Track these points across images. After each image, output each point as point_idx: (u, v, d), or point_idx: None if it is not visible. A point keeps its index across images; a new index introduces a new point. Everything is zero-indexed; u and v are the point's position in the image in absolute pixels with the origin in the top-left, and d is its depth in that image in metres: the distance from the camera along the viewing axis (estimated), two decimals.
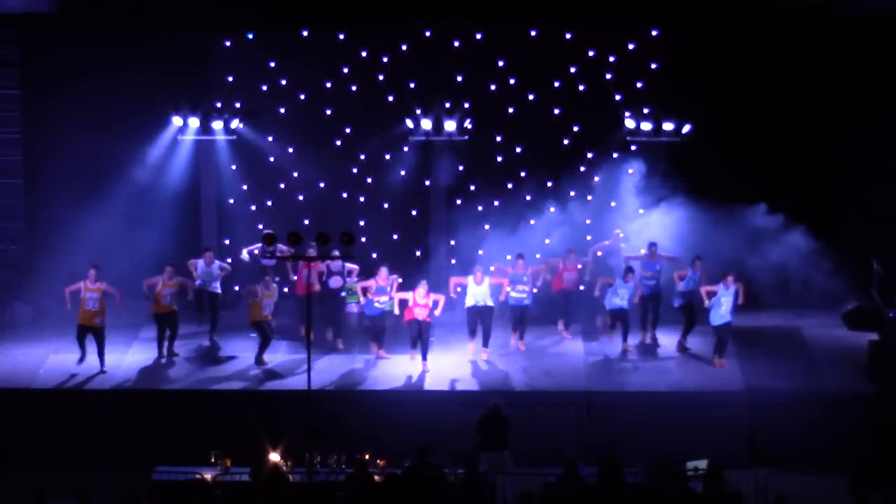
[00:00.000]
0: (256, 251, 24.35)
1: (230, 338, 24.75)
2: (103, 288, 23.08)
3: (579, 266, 24.58)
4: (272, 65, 26.17)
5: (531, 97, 26.16)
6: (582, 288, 24.67)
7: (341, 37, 26.04)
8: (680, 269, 23.88)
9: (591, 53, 26.00)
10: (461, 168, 26.20)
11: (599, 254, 24.86)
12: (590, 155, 26.13)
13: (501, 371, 23.32)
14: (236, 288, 25.58)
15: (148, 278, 23.69)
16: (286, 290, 24.93)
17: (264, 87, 26.20)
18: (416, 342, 23.09)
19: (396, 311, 23.40)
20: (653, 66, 25.90)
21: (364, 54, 26.13)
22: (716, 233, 24.40)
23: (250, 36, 25.99)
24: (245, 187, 26.72)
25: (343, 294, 24.37)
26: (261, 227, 25.99)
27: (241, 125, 25.89)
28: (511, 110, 26.20)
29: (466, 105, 25.62)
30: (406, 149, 26.18)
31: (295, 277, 24.73)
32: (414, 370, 23.15)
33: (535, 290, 24.21)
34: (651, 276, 24.17)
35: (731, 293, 22.96)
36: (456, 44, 26.01)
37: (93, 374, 23.07)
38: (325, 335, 24.38)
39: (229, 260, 25.16)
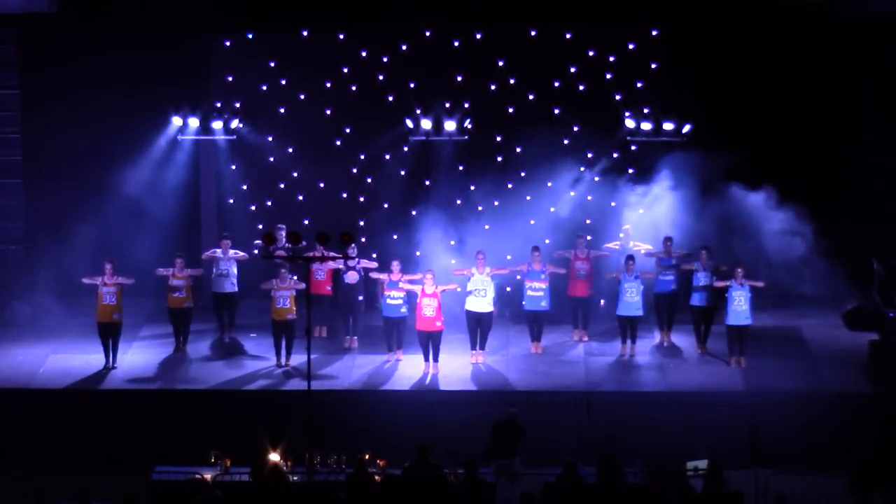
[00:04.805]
0: (256, 251, 24.30)
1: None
2: (120, 282, 23.13)
3: (591, 255, 24.45)
4: (272, 65, 26.18)
5: (531, 97, 26.16)
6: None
7: (341, 37, 26.04)
8: (691, 263, 23.84)
9: (591, 53, 26.01)
10: (461, 168, 26.23)
11: (607, 254, 24.75)
12: (590, 155, 26.14)
13: (501, 371, 23.32)
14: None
15: (158, 269, 23.80)
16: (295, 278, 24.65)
17: (264, 87, 26.21)
18: (428, 350, 23.13)
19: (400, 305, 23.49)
20: (653, 66, 25.91)
21: (364, 54, 26.14)
22: (715, 232, 24.47)
23: (250, 36, 26.00)
24: (245, 187, 26.73)
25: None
26: (261, 227, 25.99)
27: (241, 125, 25.89)
28: (511, 110, 26.21)
29: (466, 105, 25.62)
30: (406, 149, 26.20)
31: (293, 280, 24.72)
32: (415, 371, 23.16)
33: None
34: (668, 272, 24.07)
35: (745, 289, 22.96)
36: (456, 44, 26.01)
37: (93, 373, 23.08)
38: (342, 338, 24.40)
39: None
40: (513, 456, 20.22)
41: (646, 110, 25.43)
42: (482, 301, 23.41)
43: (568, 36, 25.91)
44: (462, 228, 25.62)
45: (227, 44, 26.10)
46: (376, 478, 19.16)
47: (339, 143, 26.41)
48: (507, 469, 19.99)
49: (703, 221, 24.73)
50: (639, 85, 25.98)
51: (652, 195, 25.25)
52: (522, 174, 26.22)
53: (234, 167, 26.59)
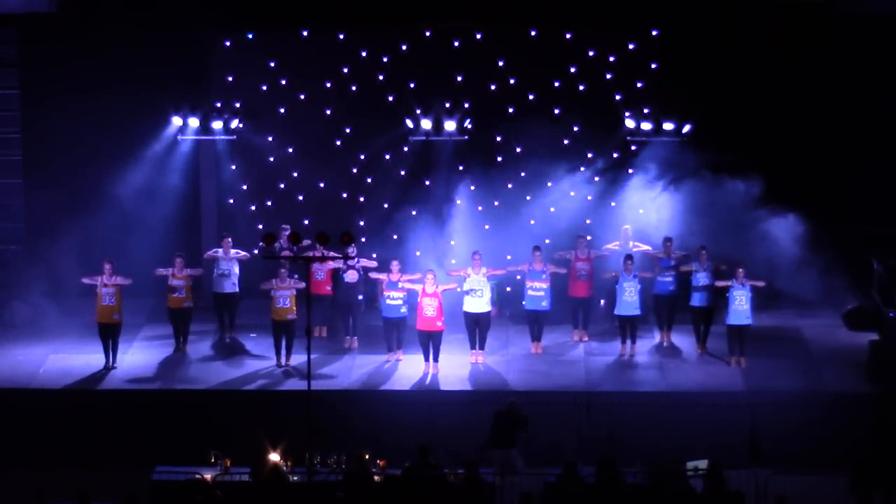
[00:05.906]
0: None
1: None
2: (119, 282, 23.16)
3: (591, 255, 24.45)
4: (272, 65, 26.20)
5: (531, 97, 26.17)
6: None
7: (341, 37, 26.06)
8: (689, 265, 23.85)
9: (591, 53, 26.02)
10: (461, 168, 26.24)
11: (607, 254, 24.74)
12: (590, 155, 26.15)
13: (501, 371, 23.33)
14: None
15: (158, 269, 23.80)
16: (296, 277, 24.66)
17: (264, 87, 26.22)
18: (428, 350, 23.13)
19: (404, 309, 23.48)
20: (653, 66, 25.92)
21: (364, 54, 26.15)
22: (715, 232, 24.48)
23: (250, 36, 26.02)
24: (245, 187, 26.74)
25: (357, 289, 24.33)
26: (261, 227, 26.00)
27: (241, 125, 25.89)
28: (511, 110, 26.22)
29: (466, 105, 25.63)
30: (406, 149, 26.21)
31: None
32: (415, 371, 23.16)
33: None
34: (667, 273, 24.04)
35: (746, 289, 22.96)
36: (456, 44, 26.02)
37: (93, 373, 23.08)
38: (342, 338, 24.39)
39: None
40: (511, 447, 20.26)
41: (646, 110, 25.44)
42: (479, 301, 23.41)
43: (568, 36, 25.92)
44: (462, 228, 25.60)
45: (227, 44, 26.12)
46: (376, 478, 19.18)
47: (339, 143, 26.42)
48: (503, 460, 20.00)
49: (703, 221, 24.72)
50: (639, 85, 25.99)
51: (651, 195, 25.26)
52: (522, 174, 26.22)
53: (234, 167, 26.59)
